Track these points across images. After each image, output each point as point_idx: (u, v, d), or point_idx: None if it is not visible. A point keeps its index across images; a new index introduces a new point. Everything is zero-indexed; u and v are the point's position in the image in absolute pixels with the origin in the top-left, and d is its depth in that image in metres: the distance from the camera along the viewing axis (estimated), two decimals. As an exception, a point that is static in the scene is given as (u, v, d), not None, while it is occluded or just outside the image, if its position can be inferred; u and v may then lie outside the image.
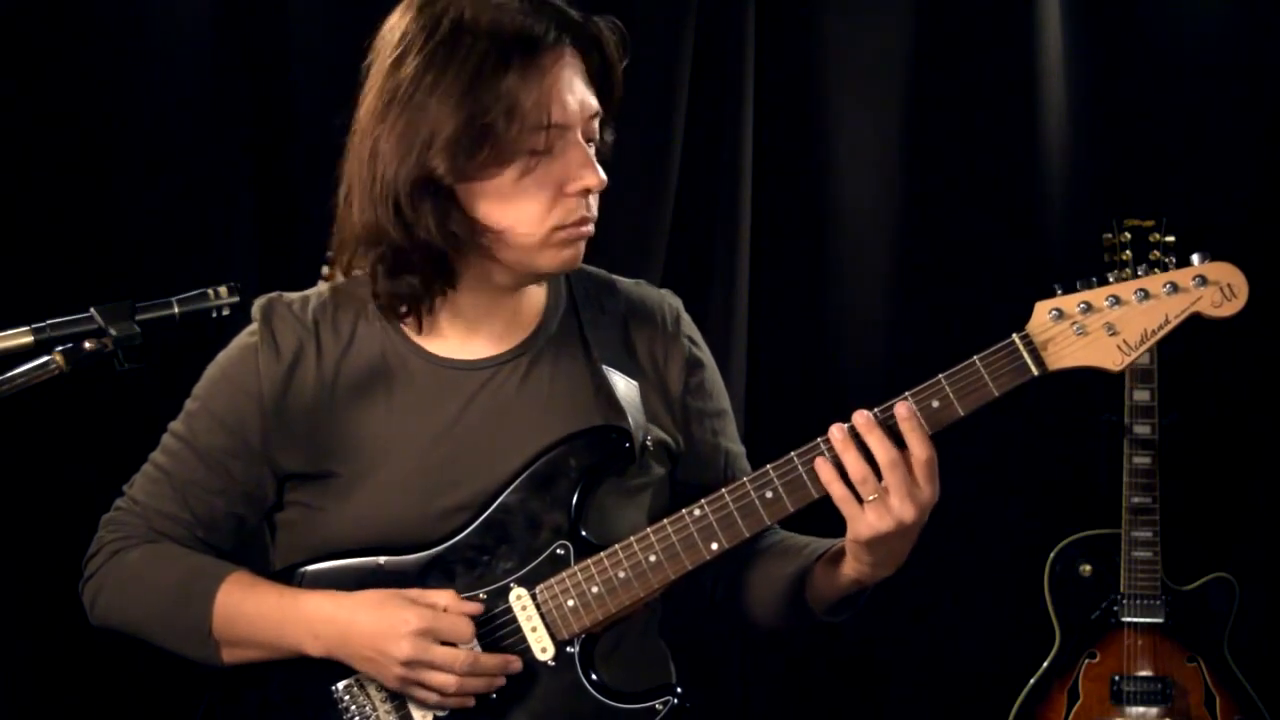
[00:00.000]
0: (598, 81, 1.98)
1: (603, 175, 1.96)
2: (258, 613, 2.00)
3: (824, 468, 1.90)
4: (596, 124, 1.98)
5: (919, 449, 1.87)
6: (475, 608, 1.96)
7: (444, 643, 1.93)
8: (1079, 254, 3.49)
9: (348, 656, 1.97)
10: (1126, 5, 3.60)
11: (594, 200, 1.98)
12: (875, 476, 1.87)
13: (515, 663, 1.97)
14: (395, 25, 1.96)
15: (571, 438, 2.01)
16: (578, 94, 1.94)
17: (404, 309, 2.02)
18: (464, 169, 1.91)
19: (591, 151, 1.96)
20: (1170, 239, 3.25)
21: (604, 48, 1.98)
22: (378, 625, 1.93)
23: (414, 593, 1.96)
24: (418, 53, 1.91)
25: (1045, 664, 3.36)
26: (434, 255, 1.96)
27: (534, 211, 1.94)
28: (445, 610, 1.94)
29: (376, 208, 1.93)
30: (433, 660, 1.92)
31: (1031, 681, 3.36)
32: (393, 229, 1.93)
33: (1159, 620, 3.31)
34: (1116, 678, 3.32)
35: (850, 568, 1.96)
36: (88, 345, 1.78)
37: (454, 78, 1.89)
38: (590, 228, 1.99)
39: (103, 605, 2.09)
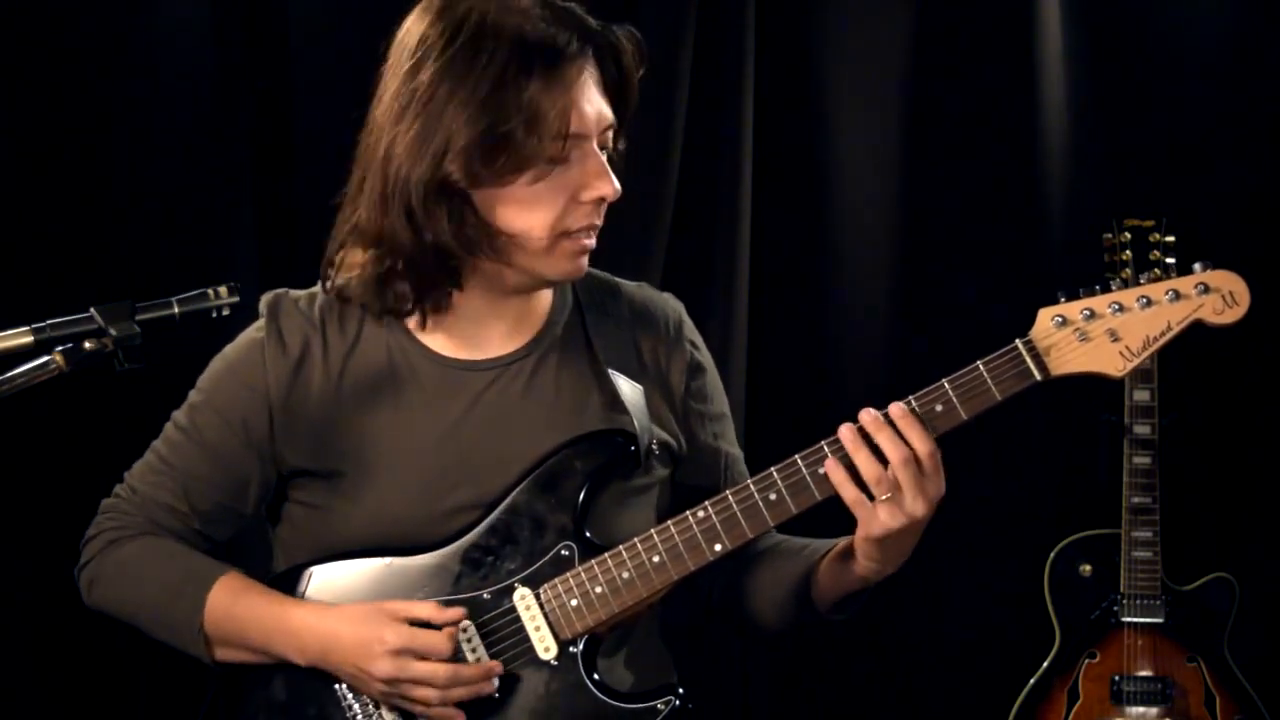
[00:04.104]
0: (613, 91, 1.98)
1: (617, 185, 1.97)
2: (247, 618, 2.01)
3: (835, 470, 1.90)
4: (611, 134, 1.99)
5: (921, 444, 1.88)
6: (458, 613, 1.96)
7: (425, 658, 1.93)
8: (1079, 254, 3.49)
9: (332, 669, 1.98)
10: (1126, 5, 3.59)
11: (603, 210, 1.99)
12: (887, 475, 1.88)
13: (497, 668, 1.97)
14: (413, 29, 1.96)
15: (578, 440, 2.01)
16: (595, 104, 1.94)
17: (398, 308, 2.02)
18: (481, 175, 1.92)
19: (604, 160, 1.97)
20: (1170, 239, 3.25)
21: (621, 58, 1.98)
22: (356, 643, 1.94)
23: (395, 605, 1.96)
24: (437, 58, 1.91)
25: (1045, 664, 3.36)
26: (441, 258, 1.96)
27: (547, 218, 1.95)
28: (428, 623, 1.94)
29: (388, 209, 1.94)
30: (413, 676, 1.93)
31: (1031, 681, 3.36)
32: (401, 231, 1.94)
33: (1159, 620, 3.30)
34: (1116, 678, 3.32)
35: (859, 566, 1.96)
36: (88, 345, 1.77)
37: (474, 84, 1.89)
38: (594, 239, 2.00)
39: (98, 593, 2.11)
